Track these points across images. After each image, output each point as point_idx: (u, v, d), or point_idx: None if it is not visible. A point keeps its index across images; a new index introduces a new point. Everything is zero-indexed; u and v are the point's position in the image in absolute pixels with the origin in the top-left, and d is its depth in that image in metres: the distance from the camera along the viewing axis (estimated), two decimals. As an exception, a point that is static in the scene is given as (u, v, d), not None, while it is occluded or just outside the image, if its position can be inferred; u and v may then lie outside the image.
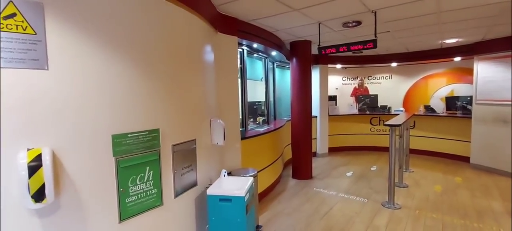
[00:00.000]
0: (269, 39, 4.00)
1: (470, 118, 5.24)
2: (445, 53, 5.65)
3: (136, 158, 1.72)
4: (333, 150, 6.72)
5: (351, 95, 7.66)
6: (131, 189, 1.71)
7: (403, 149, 4.56)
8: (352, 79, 7.61)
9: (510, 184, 4.22)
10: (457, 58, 5.81)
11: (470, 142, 5.30)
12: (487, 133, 4.93)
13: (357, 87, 7.63)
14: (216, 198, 2.21)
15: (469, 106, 5.51)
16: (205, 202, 2.28)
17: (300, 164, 4.80)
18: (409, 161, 5.21)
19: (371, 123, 6.89)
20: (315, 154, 6.31)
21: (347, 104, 7.34)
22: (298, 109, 4.72)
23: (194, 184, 2.27)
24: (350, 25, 3.63)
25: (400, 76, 7.17)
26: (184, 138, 2.12)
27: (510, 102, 4.50)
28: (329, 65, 6.60)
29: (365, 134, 6.93)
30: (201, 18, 2.42)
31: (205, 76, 2.53)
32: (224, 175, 2.49)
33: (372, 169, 5.32)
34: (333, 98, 7.17)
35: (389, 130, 3.65)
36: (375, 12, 3.15)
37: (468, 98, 5.57)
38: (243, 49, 3.92)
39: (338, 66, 7.18)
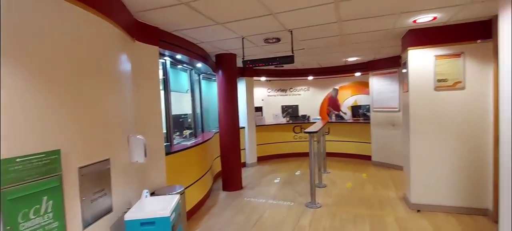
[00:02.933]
0: (193, 51, 3.94)
1: (369, 123, 6.28)
2: (348, 69, 6.67)
3: (29, 186, 1.41)
4: (261, 159, 6.98)
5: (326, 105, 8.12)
6: (23, 226, 1.38)
7: (321, 153, 5.09)
8: (276, 90, 8.14)
9: (401, 175, 5.19)
10: (358, 73, 6.92)
11: (371, 143, 6.32)
12: (382, 135, 5.99)
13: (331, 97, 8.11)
14: (137, 222, 1.99)
15: (368, 113, 6.59)
16: (123, 229, 2.02)
17: (230, 176, 4.81)
18: (326, 163, 5.85)
19: (294, 131, 7.48)
20: (244, 164, 6.43)
21: (272, 115, 7.79)
22: (226, 121, 4.75)
23: (109, 210, 1.99)
24: (271, 41, 3.91)
25: (315, 88, 8.06)
26: (95, 158, 1.85)
27: (396, 109, 5.61)
28: (254, 78, 6.91)
29: (290, 142, 7.48)
30: (115, 25, 2.21)
31: (121, 88, 2.29)
32: (146, 196, 2.27)
33: (296, 173, 5.75)
34: (259, 109, 7.51)
35: (308, 136, 4.02)
36: (292, 31, 3.48)
37: (367, 106, 6.68)
38: (165, 60, 3.74)
39: (263, 78, 7.60)
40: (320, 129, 4.46)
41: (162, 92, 3.29)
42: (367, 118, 6.62)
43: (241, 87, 6.36)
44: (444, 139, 3.49)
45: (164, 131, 3.51)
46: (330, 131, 7.15)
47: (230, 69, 4.79)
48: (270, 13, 2.81)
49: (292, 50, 3.78)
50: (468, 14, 3.02)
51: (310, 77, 7.61)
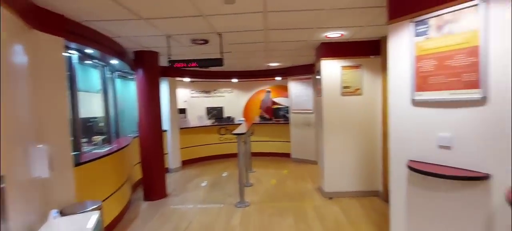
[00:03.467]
0: (108, 46, 3.47)
1: (289, 123, 6.89)
2: (270, 73, 7.14)
3: None
4: (186, 163, 6.72)
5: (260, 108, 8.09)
6: None
7: (247, 153, 5.27)
8: (200, 92, 7.97)
9: (316, 169, 5.89)
10: (278, 78, 7.49)
11: (290, 141, 6.94)
12: (300, 134, 6.67)
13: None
14: (42, 252, 1.62)
15: (287, 115, 7.22)
16: (21, 264, 1.62)
17: (153, 183, 4.45)
18: (252, 163, 6.10)
19: (219, 133, 7.50)
20: (167, 170, 6.05)
21: (197, 117, 7.59)
22: (148, 124, 4.37)
23: (-1, 242, 1.55)
24: (199, 42, 3.83)
25: (239, 90, 8.29)
26: (-23, 178, 1.42)
27: (310, 111, 6.34)
28: (177, 78, 6.60)
29: (215, 144, 7.45)
30: (5, 6, 1.74)
31: (15, 87, 1.82)
32: (54, 217, 1.87)
33: (223, 175, 5.78)
34: (183, 111, 7.21)
35: (235, 138, 4.11)
36: (221, 34, 3.50)
37: (287, 108, 7.31)
38: (72, 54, 3.16)
39: (187, 79, 7.31)
40: (248, 130, 4.62)
41: (67, 92, 2.77)
42: (286, 119, 7.23)
43: (163, 88, 5.97)
44: (348, 136, 4.17)
45: (72, 137, 2.96)
46: (255, 132, 7.49)
47: (152, 68, 4.44)
48: (200, 15, 2.75)
49: (221, 53, 3.79)
50: (365, 34, 3.71)
51: (235, 80, 7.78)
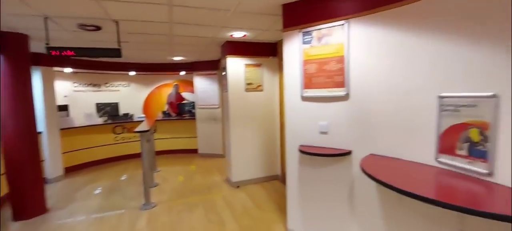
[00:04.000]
0: None
1: (195, 119, 6.86)
2: (174, 67, 6.87)
3: None
4: (72, 170, 5.68)
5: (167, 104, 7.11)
6: None
7: (151, 152, 4.96)
8: (86, 85, 6.84)
9: (223, 162, 6.12)
10: (183, 72, 7.29)
11: (196, 137, 6.93)
12: (206, 129, 6.75)
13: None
14: None
15: (193, 110, 7.15)
16: None
17: (26, 198, 3.58)
18: (157, 161, 5.77)
19: (114, 132, 6.67)
20: (45, 180, 4.96)
21: (84, 114, 6.48)
22: (16, 126, 3.48)
23: None
24: (89, 28, 3.32)
25: (138, 84, 7.60)
26: None
27: (217, 106, 6.52)
28: (55, 68, 5.45)
29: (110, 145, 6.59)
30: None
31: None
32: None
33: (122, 178, 5.23)
34: (64, 108, 6.02)
35: (137, 136, 3.82)
36: (118, 22, 3.16)
37: (193, 104, 7.23)
38: None
39: (68, 70, 6.10)
40: (151, 128, 4.35)
41: None
42: (192, 115, 7.16)
43: (35, 79, 4.83)
44: (252, 128, 4.58)
45: None
46: (158, 129, 7.06)
47: (20, 55, 3.53)
48: (93, -3, 2.43)
49: (119, 43, 3.42)
50: (265, 37, 4.14)
51: (132, 73, 7.07)
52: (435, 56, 1.74)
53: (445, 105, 1.70)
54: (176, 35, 3.93)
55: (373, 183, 2.17)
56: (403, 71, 1.95)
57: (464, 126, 1.60)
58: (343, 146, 2.41)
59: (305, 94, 2.59)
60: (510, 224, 1.27)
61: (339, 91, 2.37)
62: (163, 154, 7.00)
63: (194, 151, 7.07)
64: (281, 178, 4.61)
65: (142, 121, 5.60)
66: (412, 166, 1.88)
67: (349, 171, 2.40)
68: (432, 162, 1.81)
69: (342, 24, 2.29)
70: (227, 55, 4.37)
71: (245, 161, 4.58)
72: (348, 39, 2.27)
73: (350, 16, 2.25)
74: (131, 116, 7.02)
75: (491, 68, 1.46)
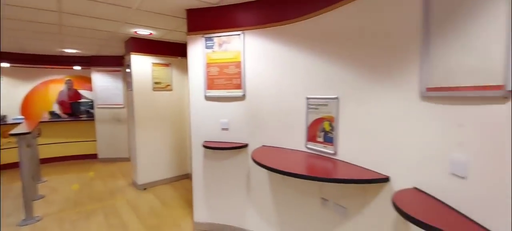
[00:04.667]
0: None
1: (94, 120, 6.14)
2: (66, 60, 5.97)
3: None
4: None
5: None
6: None
7: (34, 160, 4.22)
8: None
9: (128, 165, 5.71)
10: (78, 67, 6.39)
11: (96, 140, 6.21)
12: (108, 130, 6.14)
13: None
14: None
15: (91, 110, 6.37)
16: None
17: None
18: (42, 170, 4.91)
19: (-22, 138, 5.29)
20: None
21: None
22: None
23: None
24: None
25: (15, 79, 6.22)
26: None
27: (121, 106, 6.02)
28: None
29: (-30, 154, 5.18)
30: None
31: None
32: None
33: (-9, 194, 4.24)
34: None
35: (14, 142, 3.24)
36: (-15, 3, 2.63)
37: (90, 103, 6.43)
38: None
39: None
40: (33, 130, 3.73)
41: None
42: (90, 115, 6.38)
43: None
44: (160, 129, 4.51)
45: None
46: (43, 133, 5.96)
47: None
48: None
49: (-14, 29, 2.84)
50: (173, 37, 4.17)
51: (5, 64, 5.76)
52: (308, 66, 2.26)
53: (310, 105, 2.24)
54: (68, 26, 3.52)
55: (264, 169, 2.59)
56: (286, 78, 2.43)
57: (321, 120, 2.16)
58: (241, 140, 2.76)
59: (208, 94, 2.82)
60: (350, 184, 1.84)
61: (237, 92, 2.70)
62: (52, 162, 5.98)
63: (93, 156, 6.31)
64: (192, 176, 4.71)
65: (19, 123, 4.67)
66: (290, 152, 2.37)
67: (246, 161, 2.77)
68: (303, 148, 2.34)
69: (239, 35, 2.63)
70: (132, 53, 4.17)
71: (153, 162, 4.47)
72: (244, 48, 2.63)
73: (245, 28, 2.61)
74: (4, 117, 5.71)
75: (335, 78, 2.04)
